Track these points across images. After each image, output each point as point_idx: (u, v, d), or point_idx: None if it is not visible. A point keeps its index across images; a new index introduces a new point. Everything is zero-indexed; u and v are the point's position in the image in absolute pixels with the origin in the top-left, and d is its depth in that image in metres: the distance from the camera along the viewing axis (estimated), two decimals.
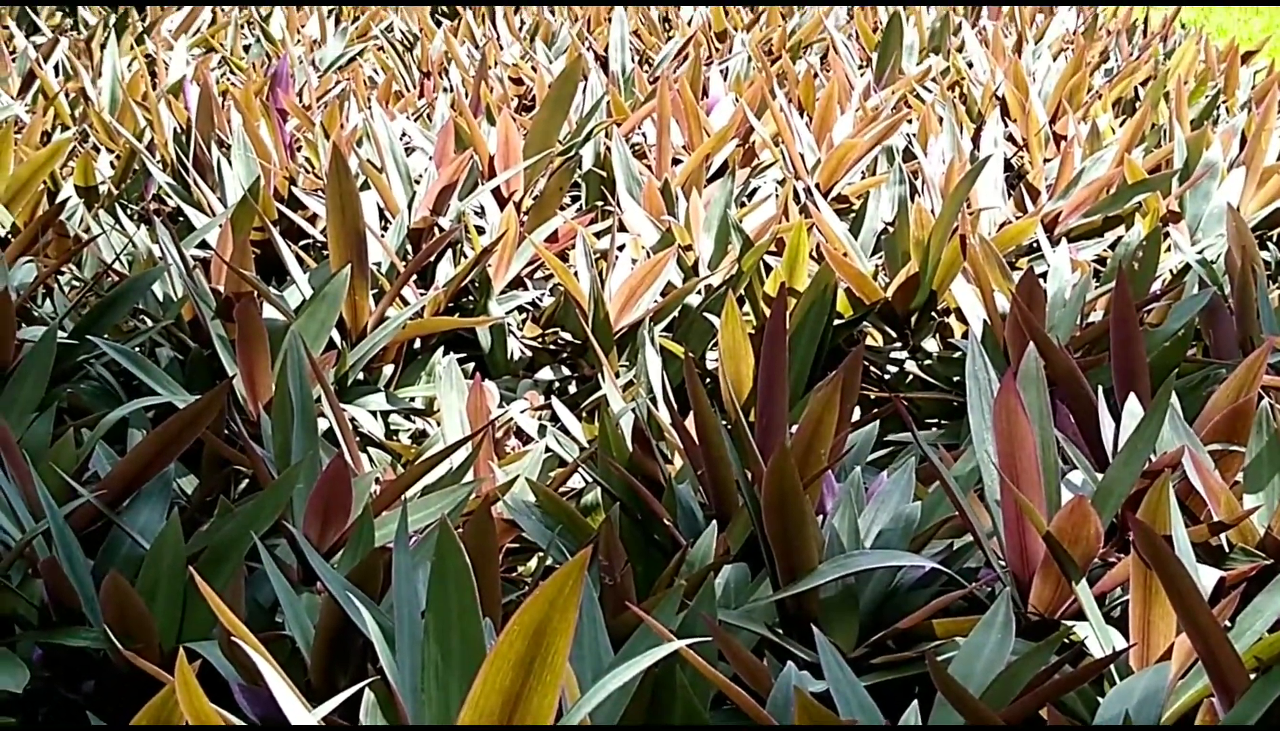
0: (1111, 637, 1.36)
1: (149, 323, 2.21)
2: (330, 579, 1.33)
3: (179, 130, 3.11)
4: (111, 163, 3.11)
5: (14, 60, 3.96)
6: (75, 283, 2.46)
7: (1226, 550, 1.56)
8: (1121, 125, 3.45)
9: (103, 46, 3.93)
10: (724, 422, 1.66)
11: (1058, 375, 1.78)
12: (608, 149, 2.93)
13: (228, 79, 4.06)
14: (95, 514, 1.58)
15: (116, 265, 2.37)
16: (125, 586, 1.37)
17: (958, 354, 2.30)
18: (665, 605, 1.36)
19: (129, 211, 2.89)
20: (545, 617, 1.00)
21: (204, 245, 2.50)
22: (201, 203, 2.71)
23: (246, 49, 4.57)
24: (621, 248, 2.51)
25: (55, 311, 2.26)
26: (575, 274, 2.35)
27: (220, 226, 2.36)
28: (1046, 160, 3.21)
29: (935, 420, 2.18)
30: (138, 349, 2.04)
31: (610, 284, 2.34)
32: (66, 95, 3.64)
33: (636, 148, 3.31)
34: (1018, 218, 2.80)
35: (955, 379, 2.21)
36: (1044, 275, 2.39)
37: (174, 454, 1.62)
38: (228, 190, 2.74)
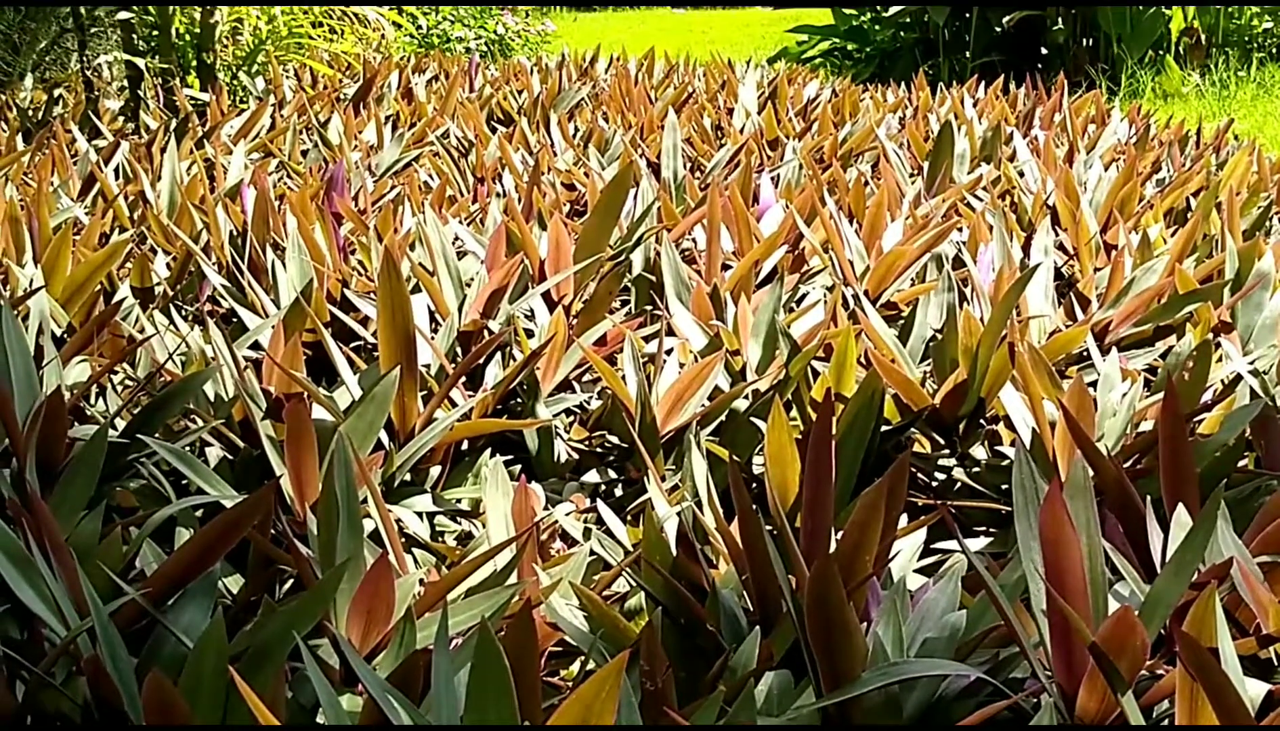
0: None
1: (200, 422, 2.23)
2: (370, 680, 1.33)
3: (235, 233, 3.16)
4: (168, 264, 3.15)
5: (75, 163, 4.04)
6: (128, 382, 2.48)
7: (1275, 663, 1.54)
8: (1173, 235, 3.45)
9: (163, 150, 4.00)
10: (769, 528, 1.65)
11: (1106, 485, 1.77)
12: (658, 254, 2.95)
13: (284, 183, 4.12)
14: (140, 612, 1.58)
15: (169, 365, 2.40)
16: (167, 686, 1.37)
17: (1006, 462, 2.29)
18: (705, 711, 1.35)
19: (184, 312, 2.92)
20: (583, 720, 1.00)
21: (256, 346, 2.53)
22: (255, 304, 2.74)
23: (304, 154, 4.64)
24: (669, 352, 2.52)
25: (107, 410, 2.29)
26: (623, 377, 2.36)
27: (273, 328, 2.39)
28: (1097, 269, 3.20)
29: (983, 528, 2.17)
30: (188, 448, 2.05)
31: (657, 388, 2.34)
32: (126, 197, 3.69)
33: (686, 253, 3.33)
34: (1067, 326, 2.80)
35: (1003, 487, 2.20)
36: (1094, 384, 2.38)
37: (220, 553, 1.63)
38: (281, 292, 2.77)
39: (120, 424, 2.13)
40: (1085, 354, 2.64)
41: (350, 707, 1.45)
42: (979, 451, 2.37)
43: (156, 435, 2.06)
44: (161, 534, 1.87)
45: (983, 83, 6.48)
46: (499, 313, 2.68)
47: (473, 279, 2.86)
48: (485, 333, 2.62)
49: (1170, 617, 1.50)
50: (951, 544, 2.01)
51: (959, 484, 2.28)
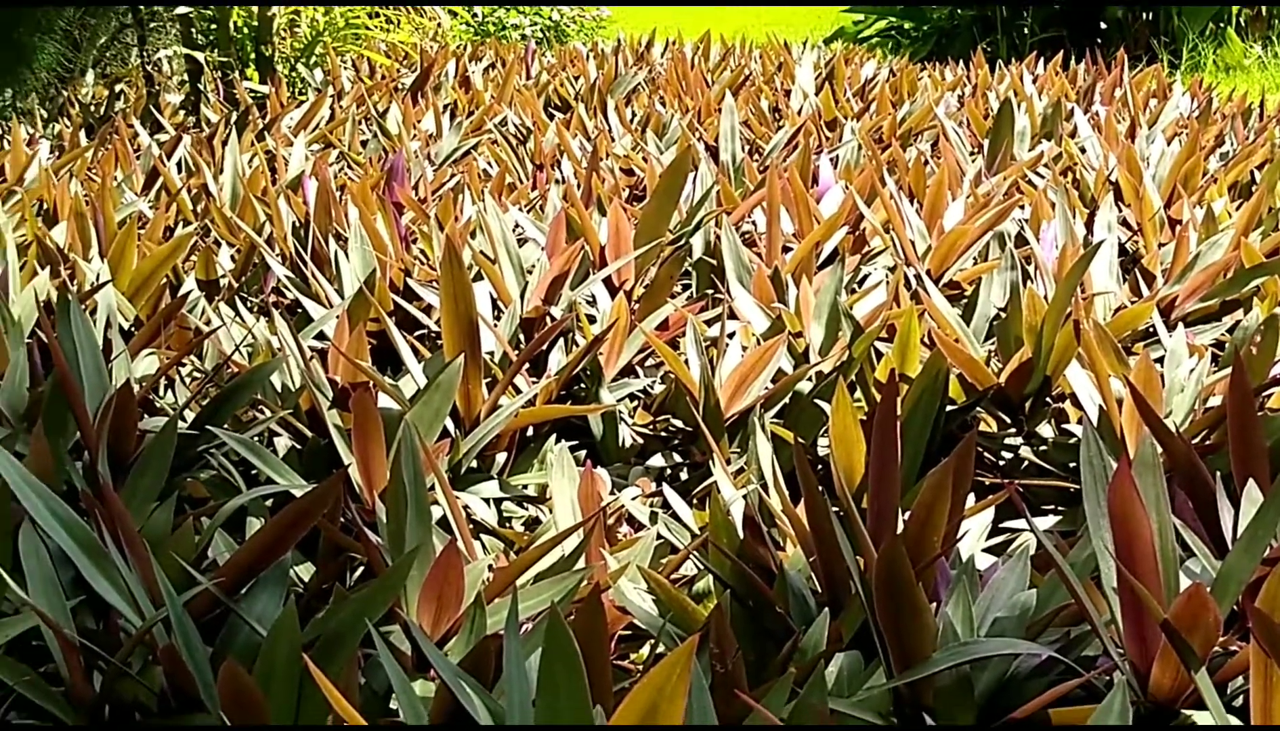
0: (1233, 726, 1.33)
1: (267, 412, 2.25)
2: (443, 666, 1.34)
3: (298, 224, 3.18)
4: (232, 256, 3.18)
5: (138, 157, 4.07)
6: (196, 374, 2.51)
7: None
8: (1237, 209, 3.41)
9: (224, 143, 4.03)
10: (835, 509, 1.65)
11: (1175, 461, 1.75)
12: (718, 237, 2.95)
13: (345, 174, 4.14)
14: (213, 601, 1.60)
15: (236, 356, 2.42)
16: (241, 674, 1.38)
17: (1073, 440, 2.27)
18: (776, 693, 1.35)
19: (249, 304, 2.95)
20: (654, 704, 1.00)
21: (321, 336, 2.54)
22: (319, 294, 2.76)
23: (364, 144, 4.66)
24: (732, 335, 2.52)
25: (176, 402, 2.31)
26: (686, 361, 2.36)
27: (337, 318, 2.40)
28: (1161, 244, 3.18)
29: (1051, 507, 2.16)
30: (256, 438, 2.07)
31: (721, 371, 2.34)
32: (189, 191, 3.72)
33: (746, 236, 3.33)
34: (1133, 302, 2.78)
35: (1071, 465, 2.18)
36: (1160, 360, 2.36)
37: (291, 542, 1.64)
38: (345, 282, 2.79)
39: (189, 415, 2.15)
40: (1151, 330, 2.62)
41: (423, 693, 1.46)
42: (1045, 430, 2.36)
43: (225, 426, 2.08)
44: (232, 524, 1.89)
45: (1042, 59, 6.43)
46: (561, 299, 2.69)
47: (534, 266, 2.87)
48: (547, 319, 2.63)
49: (1242, 594, 1.49)
50: (1020, 523, 2.00)
51: (1026, 462, 2.27)
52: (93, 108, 5.41)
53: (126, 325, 2.71)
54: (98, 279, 2.76)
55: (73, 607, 1.58)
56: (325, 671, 1.27)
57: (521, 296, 2.70)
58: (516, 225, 3.16)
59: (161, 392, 2.38)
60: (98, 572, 1.57)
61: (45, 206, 3.46)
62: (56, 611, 1.53)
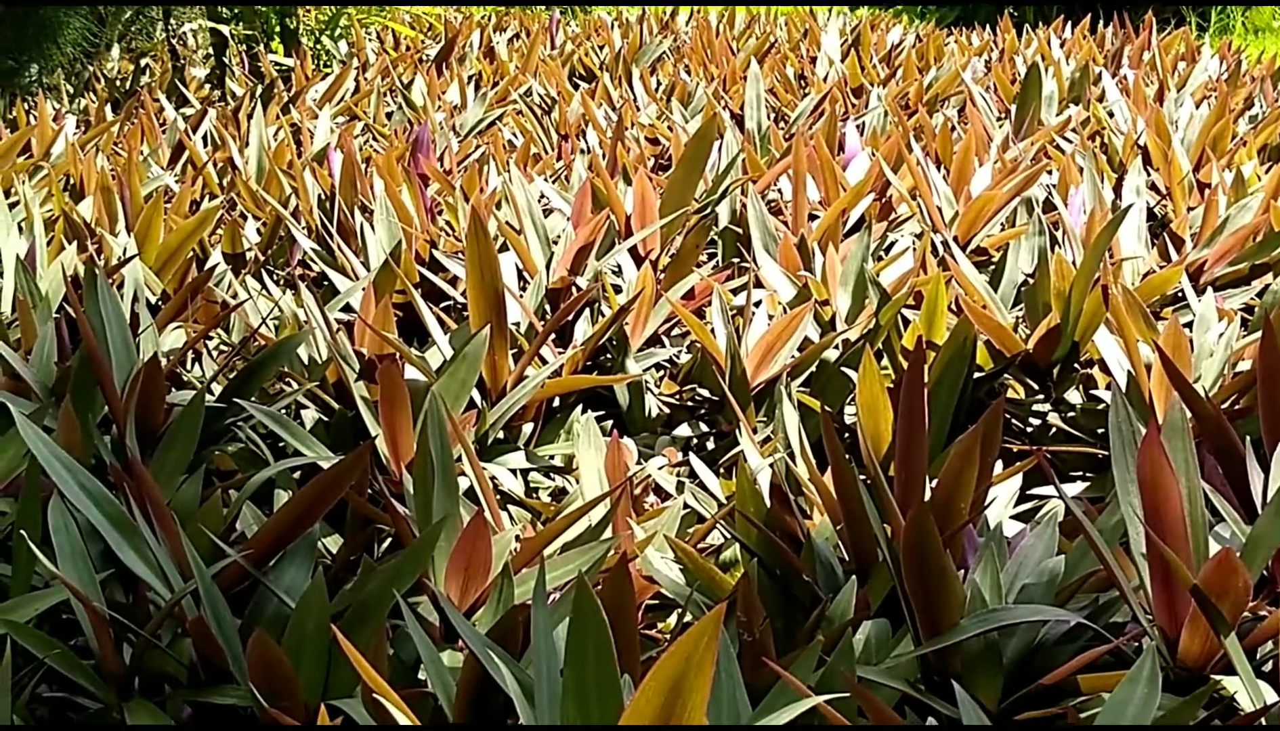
0: (1263, 691, 1.32)
1: (294, 385, 2.25)
2: (471, 636, 1.34)
3: (323, 197, 3.18)
4: (258, 229, 3.18)
5: (164, 131, 4.08)
6: (223, 347, 2.51)
7: None
8: (1267, 172, 3.39)
9: (249, 116, 4.03)
10: (862, 477, 1.65)
11: (1204, 426, 1.74)
12: (743, 206, 2.94)
13: (370, 146, 4.14)
14: (242, 573, 1.60)
15: (263, 329, 2.42)
16: (271, 645, 1.39)
17: (1101, 406, 2.26)
18: (804, 661, 1.35)
19: (275, 276, 2.95)
20: (681, 673, 1.00)
21: (348, 308, 2.55)
22: (345, 267, 2.76)
23: (389, 116, 4.66)
24: (758, 304, 2.51)
25: (204, 375, 2.32)
26: (712, 331, 2.36)
27: (363, 290, 2.40)
28: (1190, 208, 3.16)
29: (1079, 473, 2.15)
30: (283, 411, 2.07)
31: (747, 340, 2.34)
32: (214, 164, 3.73)
33: (772, 204, 3.31)
34: (1161, 267, 2.76)
35: (1099, 431, 2.17)
36: (1189, 325, 2.35)
37: (318, 513, 1.65)
38: (370, 254, 2.79)
39: (216, 388, 2.15)
40: (1180, 295, 2.61)
41: (451, 664, 1.46)
42: (1074, 396, 2.35)
43: (252, 399, 2.08)
44: (260, 496, 1.90)
45: (1069, 23, 6.39)
46: (586, 269, 2.69)
47: (559, 236, 2.86)
48: (573, 289, 2.63)
49: (1272, 558, 1.48)
50: (1048, 490, 1.99)
51: (1054, 429, 2.26)
52: (118, 82, 5.42)
53: (153, 299, 2.72)
54: (124, 253, 2.77)
55: (102, 581, 1.59)
56: (354, 642, 1.27)
57: (547, 267, 2.70)
58: (542, 195, 3.15)
59: (189, 366, 2.39)
60: (126, 546, 1.58)
61: (72, 181, 3.47)
62: (86, 584, 1.54)
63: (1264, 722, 1.30)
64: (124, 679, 1.51)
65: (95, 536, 1.60)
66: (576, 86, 5.05)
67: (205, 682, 1.51)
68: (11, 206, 2.99)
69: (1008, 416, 2.27)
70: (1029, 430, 2.30)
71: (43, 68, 5.09)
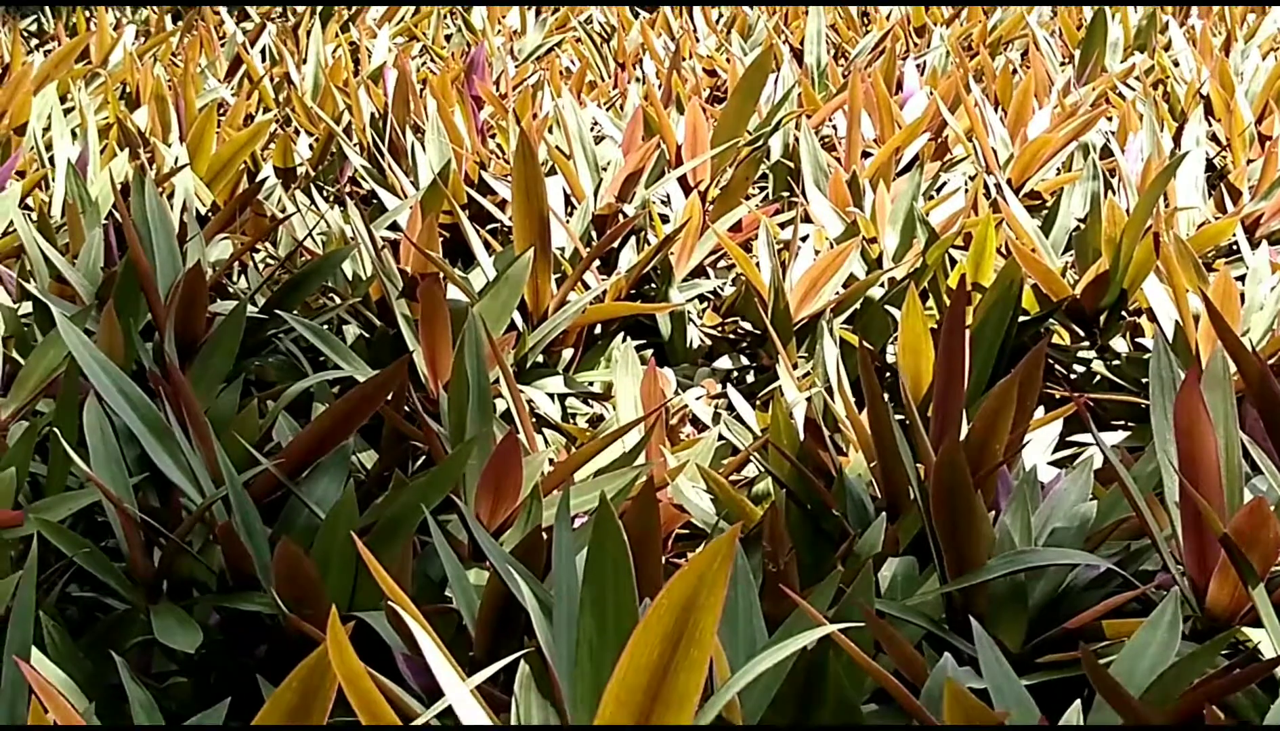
0: None
1: (337, 300, 2.25)
2: (494, 554, 1.34)
3: (376, 115, 3.18)
4: (310, 145, 3.18)
5: (223, 45, 4.08)
6: (269, 260, 2.52)
7: None
8: None
9: (308, 33, 4.03)
10: (899, 417, 1.64)
11: (1249, 379, 1.72)
12: (796, 140, 2.92)
13: (427, 67, 4.13)
14: (275, 483, 1.61)
15: (309, 243, 2.42)
16: (298, 554, 1.39)
17: (1147, 355, 2.24)
18: (822, 591, 1.34)
19: (324, 192, 2.95)
20: (694, 593, 1.00)
21: (395, 227, 2.55)
22: (394, 186, 2.76)
23: (448, 38, 4.64)
24: (805, 238, 2.49)
25: (249, 287, 2.32)
26: (757, 264, 2.34)
27: (410, 209, 2.40)
28: (1250, 161, 3.11)
29: (1122, 422, 2.13)
30: (325, 325, 2.08)
31: (791, 274, 2.32)
32: (271, 79, 3.73)
33: (826, 140, 3.29)
34: (1217, 218, 2.72)
35: (1144, 381, 2.15)
36: (1242, 278, 2.32)
37: (353, 426, 1.65)
38: (420, 174, 2.78)
39: (260, 300, 2.16)
40: (1234, 247, 2.57)
41: (476, 581, 1.47)
42: (1120, 344, 2.33)
43: (295, 312, 2.09)
44: (298, 409, 1.90)
45: None
46: (634, 197, 2.68)
47: (609, 163, 2.85)
48: (620, 216, 2.62)
49: None
50: (1089, 437, 1.97)
51: (1098, 377, 2.24)
52: None
53: (203, 210, 2.73)
54: (176, 163, 2.77)
55: (136, 485, 1.60)
56: (381, 556, 1.27)
57: (595, 193, 2.69)
58: (594, 122, 3.14)
59: (235, 278, 2.40)
60: (161, 450, 1.58)
61: (128, 90, 3.48)
62: (119, 487, 1.55)
63: None
64: (153, 582, 1.52)
65: (131, 440, 1.61)
66: (637, 15, 5.02)
67: (233, 589, 1.52)
68: (67, 112, 3.01)
69: (1051, 362, 2.25)
70: (1072, 377, 2.28)
71: None
